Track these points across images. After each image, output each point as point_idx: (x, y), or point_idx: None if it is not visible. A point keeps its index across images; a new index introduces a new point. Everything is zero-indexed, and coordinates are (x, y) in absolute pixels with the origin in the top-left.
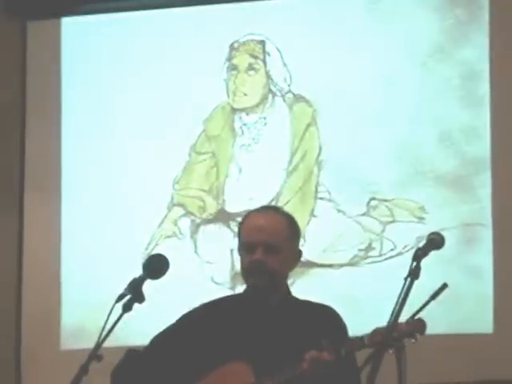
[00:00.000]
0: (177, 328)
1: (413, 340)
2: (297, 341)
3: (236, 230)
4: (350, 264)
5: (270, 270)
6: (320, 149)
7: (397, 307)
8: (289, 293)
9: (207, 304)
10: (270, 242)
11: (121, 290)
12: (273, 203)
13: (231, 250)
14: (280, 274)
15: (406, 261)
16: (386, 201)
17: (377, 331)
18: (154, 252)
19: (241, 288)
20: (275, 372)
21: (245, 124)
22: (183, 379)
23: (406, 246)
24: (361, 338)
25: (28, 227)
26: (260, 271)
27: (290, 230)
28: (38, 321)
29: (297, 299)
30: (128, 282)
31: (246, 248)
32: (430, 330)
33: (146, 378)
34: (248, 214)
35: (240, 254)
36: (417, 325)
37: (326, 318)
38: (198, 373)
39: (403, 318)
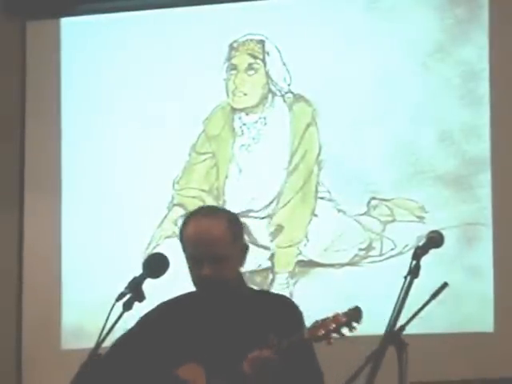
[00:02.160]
0: (136, 330)
1: (353, 330)
2: (251, 335)
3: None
4: (351, 263)
5: (222, 282)
6: (320, 148)
7: (397, 306)
8: (243, 286)
9: (165, 303)
10: (216, 253)
11: (121, 290)
12: (273, 203)
13: None
14: (232, 278)
15: (407, 260)
16: (386, 200)
17: (316, 324)
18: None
19: None
20: (224, 373)
21: (245, 124)
22: (143, 382)
23: (406, 246)
24: (301, 332)
25: (28, 227)
26: (211, 286)
27: (233, 230)
28: (38, 320)
29: (251, 291)
30: (128, 281)
31: (192, 260)
32: (430, 329)
33: (107, 383)
34: (188, 220)
35: (186, 259)
36: (353, 314)
37: (280, 309)
38: (157, 375)
39: (403, 317)
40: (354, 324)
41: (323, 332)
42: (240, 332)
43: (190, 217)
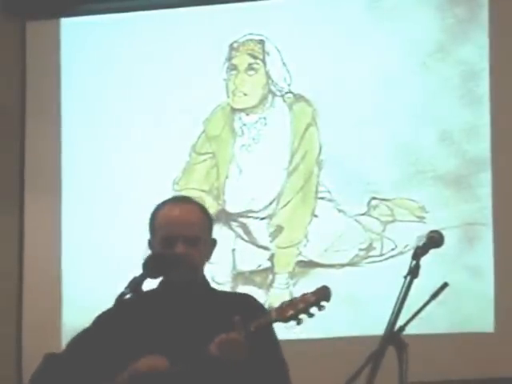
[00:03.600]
0: (94, 328)
1: (322, 309)
2: (216, 328)
3: (237, 230)
4: (351, 264)
5: (193, 264)
6: (320, 148)
7: (397, 305)
8: (207, 284)
9: (124, 301)
10: (190, 233)
11: (121, 290)
12: (274, 203)
13: (232, 250)
14: (201, 266)
15: (407, 260)
16: (386, 200)
17: (283, 304)
18: None
19: (242, 288)
20: (187, 357)
21: (245, 124)
22: (103, 379)
23: (406, 246)
24: (268, 313)
25: (28, 227)
26: (183, 266)
27: (205, 219)
28: (38, 320)
29: (215, 290)
30: (128, 281)
31: (163, 242)
32: (431, 329)
33: (65, 382)
34: (159, 206)
35: (153, 249)
36: (321, 293)
37: (246, 306)
38: (118, 371)
39: (404, 317)
40: (323, 303)
41: (292, 312)
42: (209, 327)
43: (163, 204)
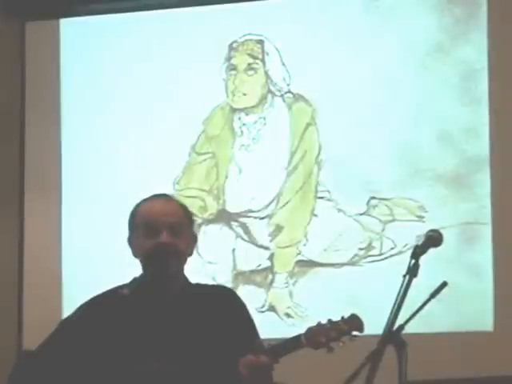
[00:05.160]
0: (71, 324)
1: (353, 339)
2: (204, 328)
3: (237, 229)
4: (351, 263)
5: (179, 253)
6: (320, 148)
7: (396, 305)
8: (186, 279)
9: (104, 294)
10: (174, 223)
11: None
12: (273, 203)
13: (233, 250)
14: (185, 257)
15: (406, 259)
16: (385, 200)
17: (312, 330)
18: None
19: (242, 287)
20: (215, 375)
21: (244, 124)
22: (85, 377)
23: (406, 245)
24: (297, 338)
25: (28, 227)
26: (169, 255)
27: (186, 213)
28: (39, 321)
29: (194, 284)
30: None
31: (147, 232)
32: (430, 328)
33: (44, 380)
34: (141, 203)
35: (134, 242)
36: (354, 323)
37: (227, 300)
38: (101, 371)
39: (402, 315)
40: (356, 333)
41: (323, 340)
42: (195, 322)
43: (143, 201)
